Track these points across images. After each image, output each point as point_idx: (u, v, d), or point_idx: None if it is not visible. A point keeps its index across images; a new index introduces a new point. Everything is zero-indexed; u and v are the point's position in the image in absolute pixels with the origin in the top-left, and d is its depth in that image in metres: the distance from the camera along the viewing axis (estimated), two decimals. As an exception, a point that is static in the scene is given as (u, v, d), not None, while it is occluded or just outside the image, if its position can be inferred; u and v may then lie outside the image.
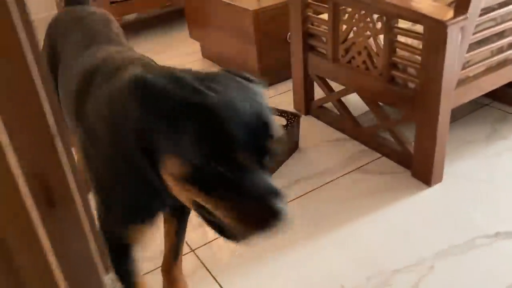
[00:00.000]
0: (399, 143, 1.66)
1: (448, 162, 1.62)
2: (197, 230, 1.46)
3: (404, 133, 1.67)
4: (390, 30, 1.49)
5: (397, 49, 1.52)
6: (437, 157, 1.53)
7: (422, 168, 1.57)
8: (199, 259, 1.37)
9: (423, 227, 1.41)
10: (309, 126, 1.96)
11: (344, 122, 1.87)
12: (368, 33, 1.58)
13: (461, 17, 1.28)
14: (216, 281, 1.29)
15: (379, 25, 1.54)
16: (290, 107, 2.10)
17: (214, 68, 2.55)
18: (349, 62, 1.72)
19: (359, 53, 1.65)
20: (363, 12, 1.57)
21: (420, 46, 1.41)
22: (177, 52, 2.87)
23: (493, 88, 1.63)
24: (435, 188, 1.55)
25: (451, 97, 1.46)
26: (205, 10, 2.47)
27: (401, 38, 1.50)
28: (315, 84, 1.98)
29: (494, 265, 1.27)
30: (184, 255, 1.37)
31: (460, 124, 1.85)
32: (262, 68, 2.26)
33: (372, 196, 1.55)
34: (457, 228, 1.39)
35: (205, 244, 1.42)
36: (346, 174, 1.66)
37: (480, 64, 1.53)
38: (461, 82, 1.51)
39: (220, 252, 1.39)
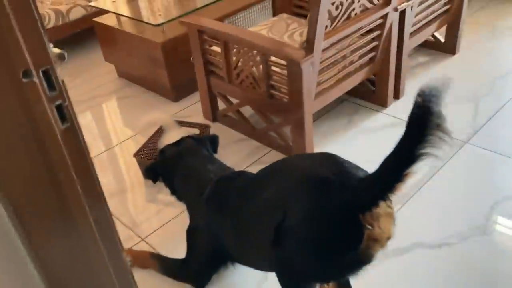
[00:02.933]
0: (282, 140, 2.29)
1: (317, 149, 2.27)
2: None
3: (285, 132, 2.30)
4: (265, 63, 2.08)
5: (273, 75, 2.12)
6: (308, 149, 2.17)
7: (299, 157, 2.22)
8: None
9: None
10: (217, 130, 2.51)
11: (243, 126, 2.46)
12: (251, 63, 2.17)
13: (309, 56, 1.90)
14: (164, 257, 1.84)
15: (258, 58, 2.12)
16: (200, 116, 2.65)
17: (129, 87, 3.02)
18: (241, 83, 2.30)
19: (247, 77, 2.24)
20: (245, 48, 2.15)
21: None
22: (94, 73, 3.27)
23: (341, 94, 2.30)
24: (309, 170, 2.21)
25: (311, 105, 2.09)
26: (116, 39, 2.91)
27: (274, 68, 2.10)
28: (218, 98, 2.54)
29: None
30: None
31: (326, 118, 2.51)
32: (172, 85, 2.77)
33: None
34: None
35: (151, 233, 1.94)
36: (248, 166, 2.26)
37: (330, 79, 2.18)
38: (318, 94, 2.15)
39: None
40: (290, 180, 1.30)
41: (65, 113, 0.78)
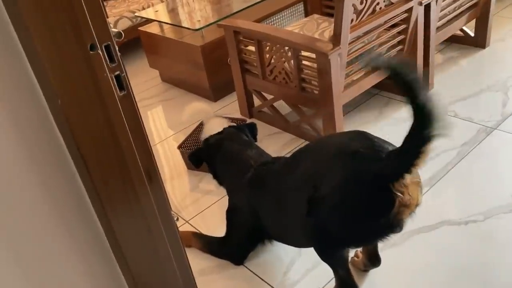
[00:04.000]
0: (314, 131, 2.42)
1: (349, 139, 2.40)
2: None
3: (317, 124, 2.43)
4: (296, 57, 2.23)
5: (303, 69, 2.26)
6: (339, 137, 2.29)
7: (331, 146, 2.34)
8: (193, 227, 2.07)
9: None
10: (253, 126, 2.68)
11: (278, 120, 2.61)
12: (283, 59, 2.32)
13: (336, 48, 2.04)
14: (206, 237, 2.00)
15: (289, 53, 2.28)
16: (237, 114, 2.83)
17: (172, 89, 3.24)
18: (274, 79, 2.45)
19: (280, 72, 2.39)
20: (278, 45, 2.31)
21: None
22: (141, 79, 3.52)
23: (370, 86, 2.41)
24: (341, 158, 2.33)
25: (340, 97, 2.22)
26: (160, 45, 3.14)
27: (305, 62, 2.24)
28: (253, 95, 2.71)
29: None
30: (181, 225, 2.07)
31: (357, 111, 2.63)
32: (211, 86, 2.96)
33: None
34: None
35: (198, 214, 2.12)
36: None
37: (358, 71, 2.31)
38: (347, 86, 2.28)
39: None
40: (322, 154, 1.42)
41: (122, 82, 0.96)
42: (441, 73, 2.81)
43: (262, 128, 2.64)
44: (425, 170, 1.32)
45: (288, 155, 2.36)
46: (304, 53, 2.22)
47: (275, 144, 2.51)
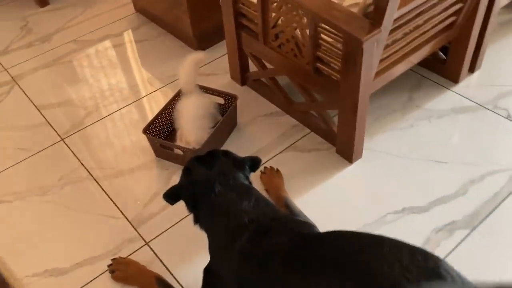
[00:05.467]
0: (324, 123, 1.85)
1: (368, 136, 1.84)
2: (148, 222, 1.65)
3: (330, 114, 1.85)
4: (314, 29, 1.59)
5: (321, 46, 1.63)
6: (357, 139, 1.73)
7: (344, 147, 1.79)
8: (154, 252, 1.57)
9: (343, 206, 1.66)
10: (246, 97, 2.08)
11: (277, 97, 2.02)
12: (295, 25, 1.67)
13: (375, 31, 1.41)
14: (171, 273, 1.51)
15: (304, 20, 1.63)
16: (226, 76, 2.20)
17: (146, 25, 2.55)
18: (279, 46, 1.81)
19: (288, 40, 1.75)
20: (289, 5, 1.65)
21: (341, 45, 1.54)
22: (109, 5, 2.79)
23: (402, 72, 1.80)
24: (356, 165, 1.78)
25: (369, 87, 1.62)
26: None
27: (325, 37, 1.61)
28: (249, 59, 2.07)
29: (402, 237, 1.54)
30: (138, 249, 1.57)
31: (381, 93, 2.02)
32: (195, 31, 2.30)
33: (304, 175, 1.76)
34: (371, 206, 1.65)
35: (159, 235, 1.61)
36: (279, 153, 1.85)
37: (395, 54, 1.68)
38: (378, 73, 1.67)
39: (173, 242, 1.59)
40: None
41: None
42: (491, 48, 2.18)
43: (256, 103, 2.06)
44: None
45: (285, 153, 1.77)
46: (326, 25, 1.58)
47: (272, 130, 1.94)
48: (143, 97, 2.17)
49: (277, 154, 1.84)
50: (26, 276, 1.53)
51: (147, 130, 1.81)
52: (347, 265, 0.90)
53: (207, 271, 1.27)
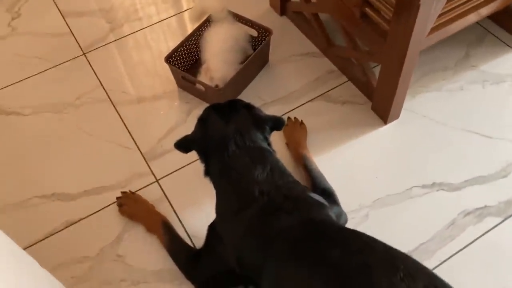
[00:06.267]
0: (363, 74, 1.66)
1: (410, 94, 1.65)
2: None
3: (370, 63, 1.66)
4: (368, -32, 1.36)
5: (373, -12, 1.41)
6: (398, 97, 1.56)
7: (381, 105, 1.62)
8: (163, 190, 1.51)
9: (367, 170, 1.52)
10: (282, 30, 1.89)
11: (317, 37, 1.82)
12: (348, -41, 1.44)
13: (439, -17, 1.18)
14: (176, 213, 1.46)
15: (359, -46, 1.39)
16: (265, 2, 2.00)
17: None
18: (326, -20, 1.59)
19: (337, -25, 1.53)
20: None
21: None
22: None
23: (466, 26, 1.56)
24: (390, 127, 1.62)
25: (421, 44, 1.42)
26: None
27: (379, -22, 1.38)
28: (292, -14, 1.85)
29: (425, 216, 1.41)
30: (147, 186, 1.52)
31: (434, 44, 1.80)
32: None
33: (333, 130, 1.61)
34: (398, 175, 1.50)
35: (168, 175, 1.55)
36: (310, 101, 1.70)
37: (458, 7, 1.45)
38: (434, 28, 1.45)
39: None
40: None
41: None
42: None
43: (294, 38, 1.89)
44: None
45: (316, 102, 1.62)
46: (382, -35, 1.35)
47: (305, 73, 1.77)
48: (177, 13, 2.01)
49: (307, 102, 1.70)
50: (35, 197, 1.52)
51: (169, 58, 1.67)
52: (351, 282, 0.80)
53: (212, 230, 1.21)
